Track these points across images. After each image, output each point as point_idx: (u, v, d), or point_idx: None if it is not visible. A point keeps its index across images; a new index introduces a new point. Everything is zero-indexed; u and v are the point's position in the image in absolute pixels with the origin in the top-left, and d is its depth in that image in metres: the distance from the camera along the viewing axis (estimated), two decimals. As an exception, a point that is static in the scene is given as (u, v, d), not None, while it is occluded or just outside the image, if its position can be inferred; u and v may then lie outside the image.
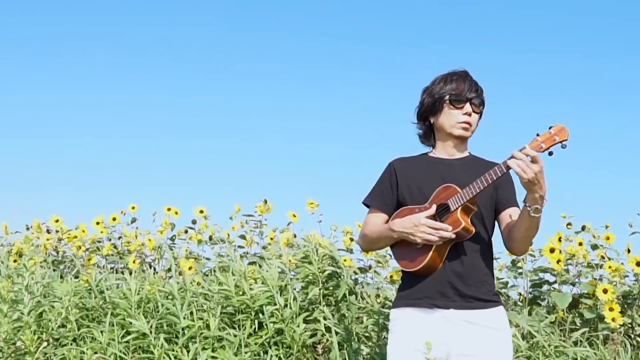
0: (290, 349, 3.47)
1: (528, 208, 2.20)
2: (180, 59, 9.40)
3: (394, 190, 2.55)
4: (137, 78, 9.47)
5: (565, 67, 8.71)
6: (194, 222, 5.09)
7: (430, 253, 2.34)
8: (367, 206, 2.64)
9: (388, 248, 2.64)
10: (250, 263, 5.04)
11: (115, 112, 9.38)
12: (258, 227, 5.14)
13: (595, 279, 4.28)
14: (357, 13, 9.43)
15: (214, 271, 4.16)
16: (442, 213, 2.35)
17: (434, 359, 2.25)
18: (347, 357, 3.43)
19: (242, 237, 5.18)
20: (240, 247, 5.18)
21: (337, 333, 3.53)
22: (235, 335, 3.49)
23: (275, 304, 3.56)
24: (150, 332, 3.43)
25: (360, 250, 2.95)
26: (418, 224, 2.32)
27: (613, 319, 3.82)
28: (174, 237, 5.27)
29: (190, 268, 4.68)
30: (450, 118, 2.47)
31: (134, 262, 4.86)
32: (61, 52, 9.35)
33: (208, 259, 5.20)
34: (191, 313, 3.54)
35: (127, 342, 3.44)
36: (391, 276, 4.37)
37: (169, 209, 5.16)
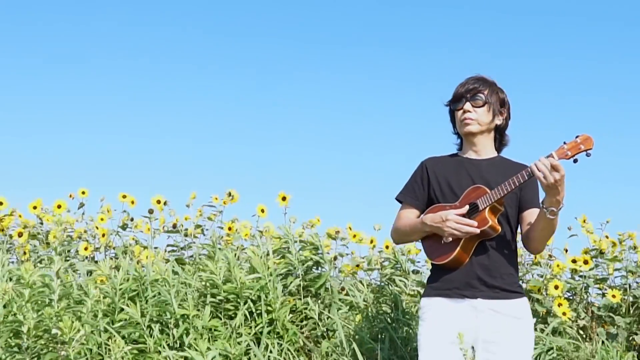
0: (282, 339, 3.47)
1: (545, 210, 2.39)
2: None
3: (425, 187, 2.71)
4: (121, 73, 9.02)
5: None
6: (150, 211, 4.89)
7: (458, 248, 2.51)
8: (400, 202, 2.78)
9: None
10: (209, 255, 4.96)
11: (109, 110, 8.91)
12: (212, 218, 5.04)
13: (539, 276, 4.65)
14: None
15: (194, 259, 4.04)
16: (472, 212, 2.51)
17: (465, 348, 2.42)
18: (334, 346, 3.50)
19: (198, 226, 5.06)
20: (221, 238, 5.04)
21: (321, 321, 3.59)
22: (227, 325, 3.43)
23: (267, 293, 3.55)
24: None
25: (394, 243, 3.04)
26: (446, 219, 2.49)
27: (564, 313, 4.17)
28: (125, 226, 5.03)
29: (147, 257, 4.53)
30: (457, 121, 2.70)
31: (85, 249, 4.60)
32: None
33: (156, 248, 5.03)
34: (181, 302, 3.44)
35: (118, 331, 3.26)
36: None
37: (124, 196, 4.92)
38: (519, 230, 2.69)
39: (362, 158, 8.79)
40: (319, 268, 4.02)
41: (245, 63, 9.50)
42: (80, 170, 8.66)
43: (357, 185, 8.48)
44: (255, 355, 3.23)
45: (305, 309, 3.73)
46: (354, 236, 4.89)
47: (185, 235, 4.93)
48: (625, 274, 4.56)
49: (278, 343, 3.43)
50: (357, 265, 4.75)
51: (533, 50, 9.17)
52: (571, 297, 4.67)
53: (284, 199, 4.79)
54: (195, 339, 3.25)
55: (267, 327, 3.49)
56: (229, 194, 5.02)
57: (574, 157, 2.36)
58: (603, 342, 3.98)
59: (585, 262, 4.44)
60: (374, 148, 8.89)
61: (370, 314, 3.81)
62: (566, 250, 4.78)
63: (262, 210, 4.93)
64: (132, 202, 4.91)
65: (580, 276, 4.67)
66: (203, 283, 3.70)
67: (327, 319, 3.67)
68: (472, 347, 2.53)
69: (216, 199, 5.15)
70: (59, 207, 4.92)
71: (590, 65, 8.94)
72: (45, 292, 2.78)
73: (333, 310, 3.67)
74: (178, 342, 3.25)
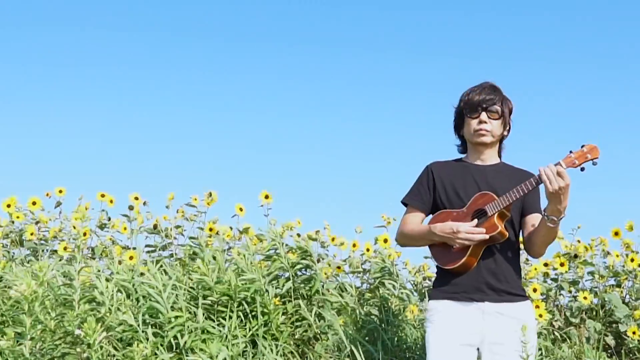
0: (277, 340, 3.47)
1: (546, 217, 2.49)
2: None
3: (431, 191, 2.76)
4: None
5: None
6: (130, 207, 4.80)
7: (467, 254, 2.58)
8: (405, 205, 2.81)
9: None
10: (192, 254, 4.90)
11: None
12: (192, 219, 4.98)
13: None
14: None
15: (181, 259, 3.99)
16: (480, 217, 2.58)
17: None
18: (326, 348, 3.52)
19: (178, 227, 4.99)
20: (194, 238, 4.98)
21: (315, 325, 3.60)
22: (222, 327, 3.41)
23: (262, 295, 3.54)
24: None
25: (399, 246, 3.08)
26: (457, 231, 2.54)
27: (540, 315, 4.32)
28: (103, 225, 4.92)
29: (131, 258, 4.44)
30: (469, 128, 2.72)
31: (65, 249, 4.48)
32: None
33: (134, 248, 4.93)
34: (173, 304, 3.39)
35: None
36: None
37: (102, 196, 4.81)
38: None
39: (342, 161, 8.85)
40: (307, 270, 4.03)
41: (227, 65, 9.46)
42: (59, 171, 8.47)
43: (337, 189, 8.54)
44: (254, 355, 3.21)
45: (297, 311, 3.73)
46: (333, 239, 4.93)
47: (165, 236, 4.86)
48: (595, 277, 4.75)
49: (275, 344, 3.42)
50: (339, 267, 4.79)
51: (526, 54, 9.36)
52: (544, 300, 4.84)
53: (266, 197, 4.78)
54: (192, 342, 3.21)
55: (262, 329, 3.48)
56: (210, 194, 4.98)
57: (581, 166, 2.45)
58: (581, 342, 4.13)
59: (562, 265, 4.61)
60: (353, 151, 8.97)
61: (358, 317, 3.84)
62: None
63: (241, 209, 4.91)
64: (111, 202, 4.81)
65: (553, 279, 4.85)
66: (192, 284, 3.65)
67: (320, 321, 3.68)
68: (477, 349, 2.60)
69: (196, 199, 5.11)
70: (34, 203, 4.76)
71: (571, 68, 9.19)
72: (65, 291, 2.68)
73: (326, 312, 3.69)
74: (173, 344, 3.20)
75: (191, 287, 3.60)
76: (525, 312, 2.63)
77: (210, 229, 4.95)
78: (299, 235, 4.78)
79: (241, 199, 4.91)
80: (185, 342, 3.23)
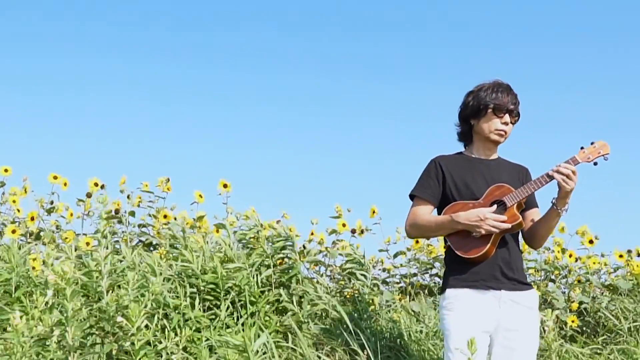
0: (267, 329, 3.45)
1: (559, 210, 2.71)
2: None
3: (440, 184, 2.87)
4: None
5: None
6: (88, 195, 4.51)
7: (489, 242, 2.72)
8: (412, 198, 2.91)
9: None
10: (147, 243, 4.72)
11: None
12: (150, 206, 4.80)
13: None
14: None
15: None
16: (498, 208, 2.74)
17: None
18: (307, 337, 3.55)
19: (132, 213, 4.78)
20: (143, 226, 4.77)
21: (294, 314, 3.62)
22: (215, 316, 3.34)
23: (249, 284, 3.50)
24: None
25: (409, 237, 3.13)
26: (484, 217, 2.67)
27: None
28: (51, 210, 4.59)
29: (88, 244, 4.21)
30: (491, 125, 2.85)
31: (13, 232, 4.14)
32: None
33: (85, 234, 4.67)
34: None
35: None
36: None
37: (55, 177, 4.49)
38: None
39: (297, 153, 8.83)
40: (287, 260, 4.03)
41: (191, 54, 9.13)
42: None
43: (293, 181, 8.52)
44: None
45: (278, 300, 3.73)
46: (290, 230, 4.95)
47: (120, 222, 4.64)
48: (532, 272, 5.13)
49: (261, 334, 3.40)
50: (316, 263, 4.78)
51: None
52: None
53: (225, 186, 4.70)
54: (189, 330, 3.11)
55: (251, 318, 3.45)
56: (168, 180, 4.82)
57: (594, 161, 2.68)
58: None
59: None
60: (310, 144, 8.98)
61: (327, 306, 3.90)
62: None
63: (200, 196, 4.79)
64: (65, 184, 4.50)
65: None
66: (176, 272, 3.54)
67: (300, 310, 3.70)
68: (490, 336, 2.75)
69: (147, 185, 4.94)
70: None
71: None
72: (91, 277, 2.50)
73: (305, 302, 3.71)
74: (173, 333, 3.09)
75: (177, 275, 3.48)
76: (534, 300, 2.82)
77: (165, 216, 4.80)
78: (278, 222, 4.73)
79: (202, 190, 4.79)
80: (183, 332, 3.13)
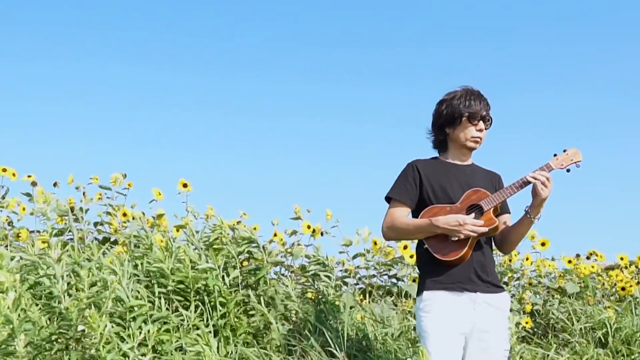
0: (237, 330, 3.40)
1: (533, 218, 2.80)
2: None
3: (417, 187, 2.91)
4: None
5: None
6: (34, 183, 4.31)
7: (467, 246, 2.77)
8: (389, 200, 2.94)
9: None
10: (104, 240, 4.58)
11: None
12: (110, 203, 4.64)
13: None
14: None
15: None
16: (475, 212, 2.80)
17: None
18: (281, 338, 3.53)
19: (84, 210, 4.60)
20: (100, 224, 4.61)
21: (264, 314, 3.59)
22: (182, 317, 3.25)
23: (218, 285, 3.43)
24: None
25: (385, 239, 3.13)
26: (464, 222, 2.72)
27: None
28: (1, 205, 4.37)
29: (44, 242, 4.03)
30: (467, 132, 2.91)
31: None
32: None
33: (38, 231, 4.48)
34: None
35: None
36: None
37: (4, 170, 4.28)
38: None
39: (256, 156, 8.76)
40: (251, 261, 3.98)
41: (154, 57, 8.88)
42: None
43: (252, 183, 8.44)
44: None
45: (244, 301, 3.68)
46: (255, 228, 4.89)
47: (76, 220, 4.47)
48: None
49: (233, 334, 3.35)
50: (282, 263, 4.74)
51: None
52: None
53: (185, 185, 4.63)
54: (158, 333, 3.03)
55: (221, 319, 3.39)
56: (124, 175, 4.68)
57: (567, 168, 2.77)
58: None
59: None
60: (270, 145, 8.92)
61: (299, 307, 3.89)
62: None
63: (159, 193, 4.70)
64: (14, 175, 4.28)
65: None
66: (138, 272, 3.43)
67: (269, 311, 3.67)
68: (465, 338, 2.80)
69: (96, 179, 4.80)
70: None
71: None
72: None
73: (275, 302, 3.68)
74: (133, 336, 2.99)
75: (144, 275, 3.38)
76: (507, 303, 2.89)
77: (125, 214, 4.67)
78: (239, 223, 4.67)
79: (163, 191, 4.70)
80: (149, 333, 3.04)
